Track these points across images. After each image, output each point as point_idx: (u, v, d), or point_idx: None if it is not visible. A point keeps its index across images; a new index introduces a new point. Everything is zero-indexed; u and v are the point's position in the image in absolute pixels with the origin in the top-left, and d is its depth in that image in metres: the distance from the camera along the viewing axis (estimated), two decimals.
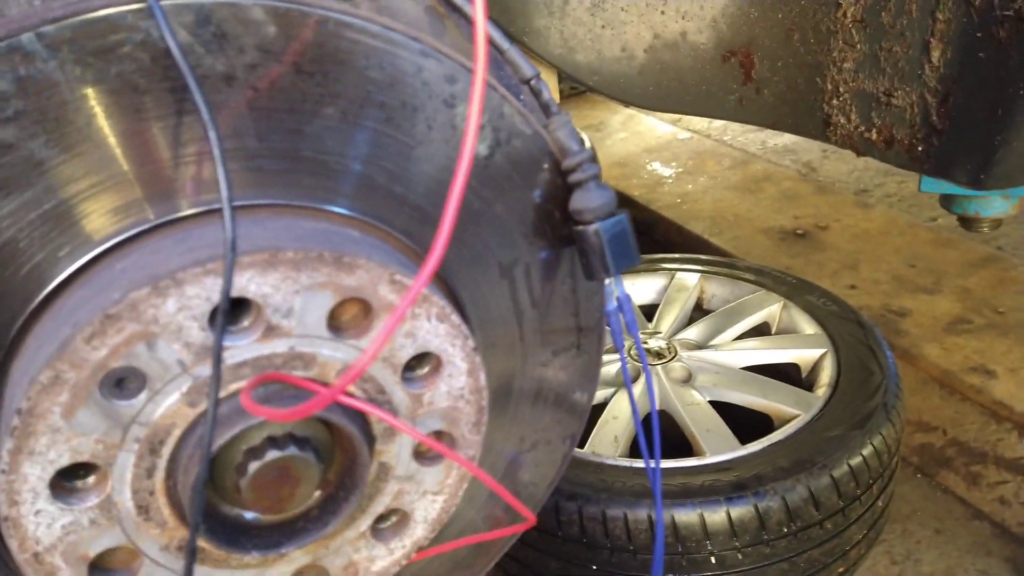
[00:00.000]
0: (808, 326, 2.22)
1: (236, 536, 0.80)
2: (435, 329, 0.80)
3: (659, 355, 2.20)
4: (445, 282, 0.88)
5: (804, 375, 2.16)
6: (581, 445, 1.94)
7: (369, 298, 0.76)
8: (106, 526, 0.76)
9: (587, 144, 3.35)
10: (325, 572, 0.87)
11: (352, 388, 0.78)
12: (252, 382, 0.72)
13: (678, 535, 1.68)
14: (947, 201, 1.57)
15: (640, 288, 2.57)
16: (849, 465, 1.75)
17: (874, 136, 1.34)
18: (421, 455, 0.86)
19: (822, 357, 2.11)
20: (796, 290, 2.34)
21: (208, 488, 0.80)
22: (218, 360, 0.69)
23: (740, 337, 2.31)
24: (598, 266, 0.85)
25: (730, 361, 2.19)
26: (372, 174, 0.81)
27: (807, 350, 2.15)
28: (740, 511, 1.67)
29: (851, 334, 2.12)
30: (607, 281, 0.87)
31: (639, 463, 1.80)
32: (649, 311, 2.47)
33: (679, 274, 2.53)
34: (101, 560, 0.77)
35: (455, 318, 0.80)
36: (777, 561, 1.73)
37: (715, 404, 2.00)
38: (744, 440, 1.86)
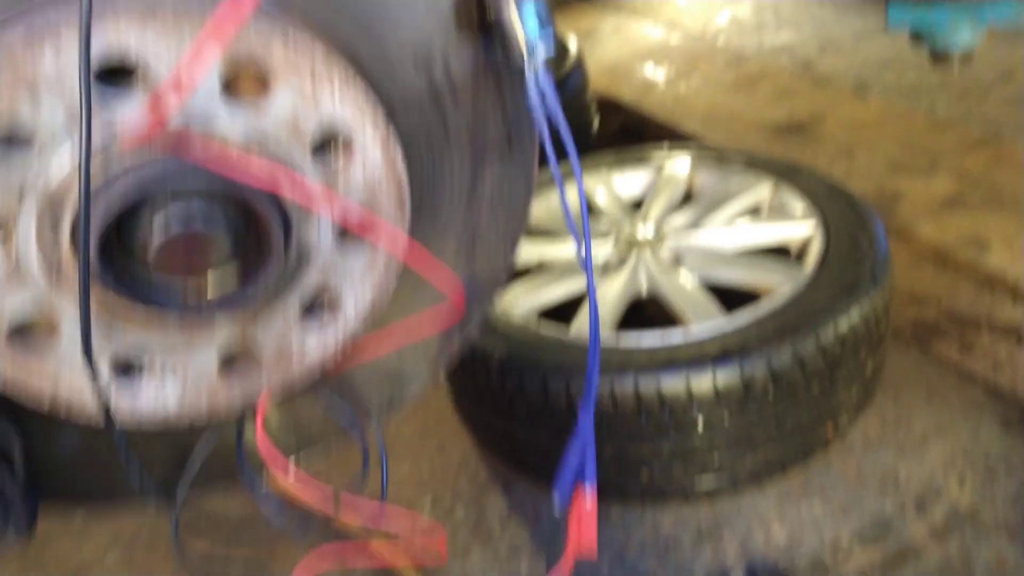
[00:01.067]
0: (798, 205, 2.20)
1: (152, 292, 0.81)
2: (338, 98, 0.79)
3: (647, 241, 2.20)
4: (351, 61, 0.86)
5: (795, 253, 2.15)
6: (568, 326, 1.95)
7: None
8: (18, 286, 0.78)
9: (573, 49, 3.32)
10: (256, 357, 0.87)
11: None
12: None
13: (663, 402, 1.69)
14: (916, 39, 1.54)
15: (628, 181, 2.54)
16: (834, 327, 1.75)
17: None
18: (345, 236, 0.86)
19: (811, 233, 2.09)
20: (786, 171, 2.31)
21: (120, 252, 0.80)
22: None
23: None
24: (515, 48, 0.83)
25: (718, 242, 2.18)
26: None
27: (796, 226, 2.13)
28: (726, 376, 1.68)
29: (840, 210, 2.10)
30: (530, 74, 0.84)
31: (624, 340, 1.81)
32: (639, 205, 2.45)
33: (668, 164, 2.50)
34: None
35: (359, 90, 0.79)
36: (764, 422, 1.74)
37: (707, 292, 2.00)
38: None
